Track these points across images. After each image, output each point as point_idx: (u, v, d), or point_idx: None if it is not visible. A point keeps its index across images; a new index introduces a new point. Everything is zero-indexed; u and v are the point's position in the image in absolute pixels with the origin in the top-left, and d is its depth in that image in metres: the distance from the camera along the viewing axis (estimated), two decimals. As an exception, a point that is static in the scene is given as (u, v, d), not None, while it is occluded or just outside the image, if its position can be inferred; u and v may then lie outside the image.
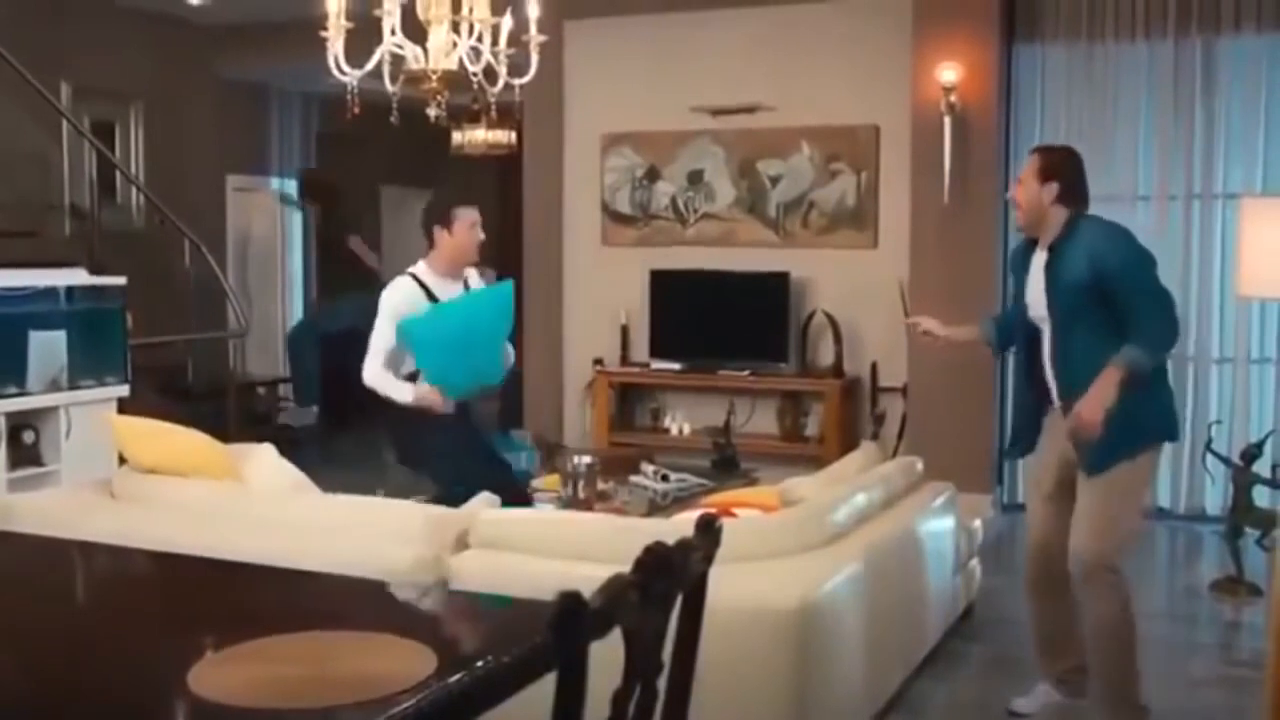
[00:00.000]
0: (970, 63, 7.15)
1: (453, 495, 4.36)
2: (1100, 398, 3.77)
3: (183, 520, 3.89)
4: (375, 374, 5.08)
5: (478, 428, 5.44)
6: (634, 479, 5.90)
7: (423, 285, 5.15)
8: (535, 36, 4.51)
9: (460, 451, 5.11)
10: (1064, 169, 4.03)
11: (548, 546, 3.60)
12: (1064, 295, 3.92)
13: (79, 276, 6.75)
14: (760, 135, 7.97)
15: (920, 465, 4.93)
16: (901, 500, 4.51)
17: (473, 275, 5.39)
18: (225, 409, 8.05)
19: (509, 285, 5.30)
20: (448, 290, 5.20)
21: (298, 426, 10.04)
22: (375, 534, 3.70)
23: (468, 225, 5.20)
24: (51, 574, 2.76)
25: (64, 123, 8.13)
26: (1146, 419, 3.90)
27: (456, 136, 9.87)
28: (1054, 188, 3.98)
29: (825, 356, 7.86)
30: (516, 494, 5.00)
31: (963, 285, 7.20)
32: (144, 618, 2.37)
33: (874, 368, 7.73)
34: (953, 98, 7.08)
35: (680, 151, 8.20)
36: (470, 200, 5.45)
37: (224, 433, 5.67)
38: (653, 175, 8.30)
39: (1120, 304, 3.82)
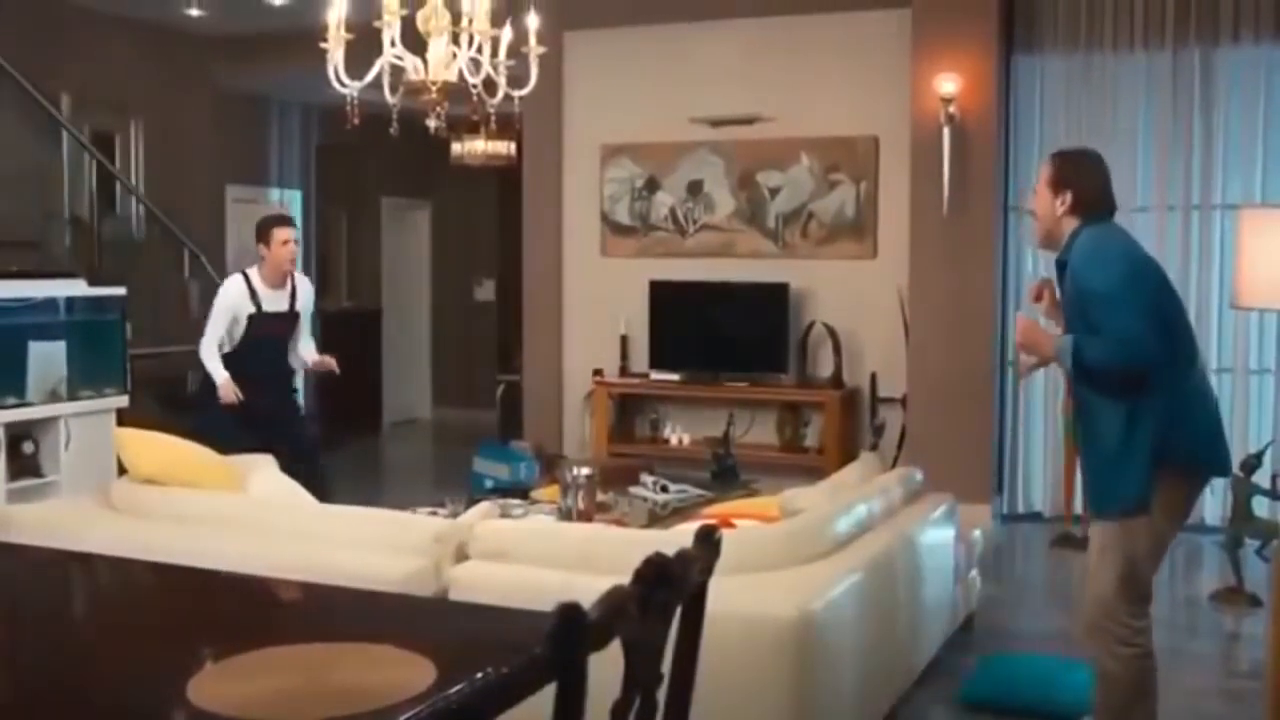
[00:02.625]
0: (969, 73, 7.16)
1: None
2: (1038, 341, 3.67)
3: (182, 531, 3.90)
4: (206, 353, 6.06)
5: (278, 420, 6.16)
6: (633, 490, 5.89)
7: (251, 286, 6.11)
8: (535, 48, 4.53)
9: (221, 429, 5.64)
10: (1078, 176, 3.66)
11: (547, 557, 3.60)
12: (1067, 316, 3.68)
13: (79, 287, 6.76)
14: (760, 146, 7.98)
15: (920, 476, 4.93)
16: (901, 511, 4.50)
17: (302, 283, 6.33)
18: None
19: None
20: (273, 295, 6.15)
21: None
22: (375, 545, 3.70)
23: (280, 241, 6.10)
24: (51, 585, 2.75)
25: (64, 133, 8.14)
26: (1118, 483, 3.56)
27: (456, 147, 9.87)
28: (1067, 198, 3.63)
29: (824, 367, 7.87)
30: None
31: (962, 296, 7.21)
32: (143, 629, 2.36)
33: (873, 378, 7.74)
34: (952, 108, 7.10)
35: (680, 162, 8.21)
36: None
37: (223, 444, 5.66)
38: (652, 186, 8.31)
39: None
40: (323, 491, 6.08)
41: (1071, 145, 4.81)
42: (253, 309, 6.10)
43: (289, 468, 5.57)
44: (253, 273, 6.15)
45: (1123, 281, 3.48)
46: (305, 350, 6.35)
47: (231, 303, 6.08)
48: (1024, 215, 3.86)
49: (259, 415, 5.99)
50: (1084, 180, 3.67)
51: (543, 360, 8.64)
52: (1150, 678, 3.67)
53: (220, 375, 6.00)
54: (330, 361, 6.34)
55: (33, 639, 2.26)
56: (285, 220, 6.33)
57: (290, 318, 6.25)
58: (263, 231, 6.16)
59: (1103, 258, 3.54)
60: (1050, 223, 3.70)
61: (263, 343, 6.14)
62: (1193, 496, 3.74)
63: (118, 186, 8.79)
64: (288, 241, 6.11)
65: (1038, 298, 3.90)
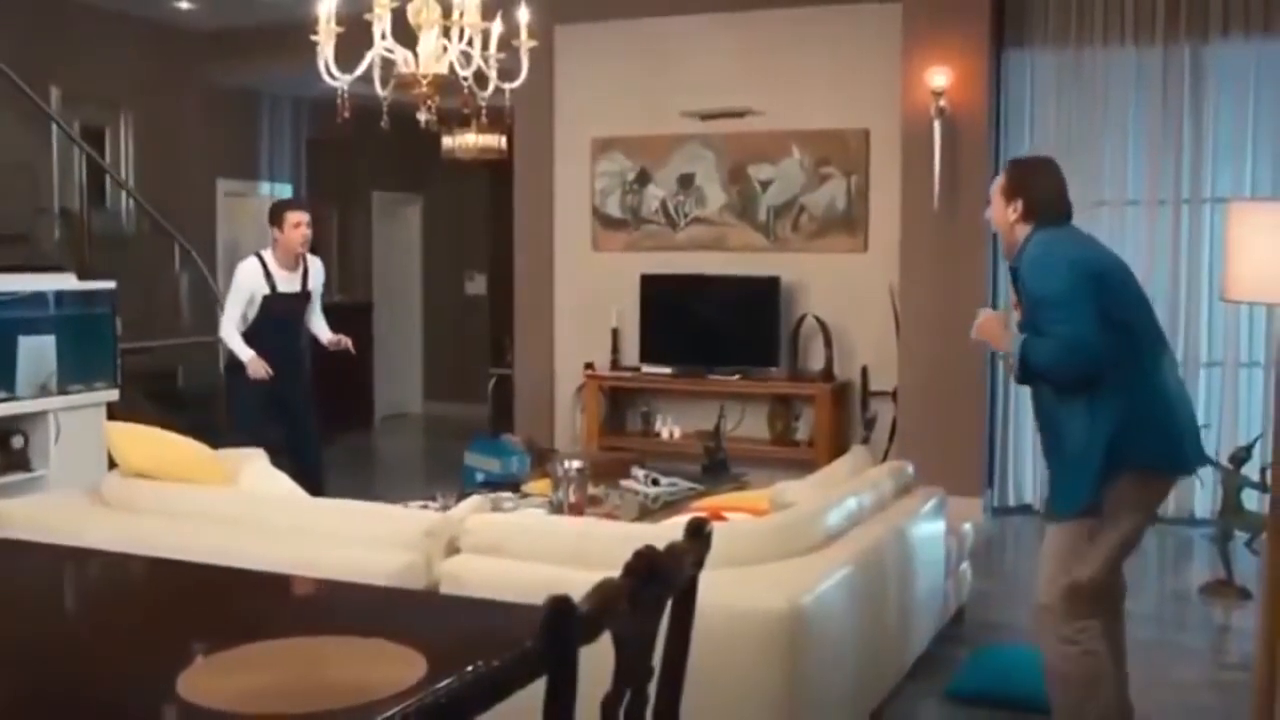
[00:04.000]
0: (960, 67, 7.16)
1: (239, 432, 5.91)
2: (994, 334, 3.70)
3: (173, 525, 3.89)
4: (227, 332, 6.37)
5: (289, 400, 6.49)
6: (625, 483, 5.90)
7: (265, 267, 6.37)
8: (526, 41, 4.52)
9: (257, 407, 6.35)
10: (1030, 184, 3.69)
11: (538, 551, 3.60)
12: (1024, 321, 3.65)
13: (68, 281, 6.74)
14: (750, 139, 7.98)
15: (910, 469, 4.93)
16: (892, 504, 4.51)
17: (314, 264, 6.60)
18: (216, 414, 8.03)
19: None
20: (287, 277, 6.43)
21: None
22: (366, 539, 3.70)
23: (293, 224, 6.35)
24: (41, 580, 2.75)
25: (54, 128, 8.12)
26: (1071, 486, 3.60)
27: (447, 141, 9.86)
28: (1019, 205, 3.66)
29: (815, 360, 7.87)
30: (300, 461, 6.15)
31: (953, 289, 7.21)
32: (134, 623, 2.36)
33: (864, 372, 7.74)
34: (942, 102, 7.10)
35: (671, 156, 8.21)
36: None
37: (214, 438, 5.67)
38: (643, 179, 8.30)
39: None
40: (321, 481, 6.40)
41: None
42: (268, 290, 6.36)
43: (293, 451, 6.30)
44: (267, 254, 6.42)
45: (1066, 286, 3.47)
46: (319, 329, 6.67)
47: (248, 283, 6.34)
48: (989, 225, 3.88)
49: (276, 391, 6.35)
50: (1035, 187, 3.68)
51: (534, 354, 8.63)
52: (1099, 672, 3.64)
53: (246, 353, 6.28)
54: (346, 341, 6.60)
55: (23, 633, 2.26)
56: (298, 204, 6.65)
57: (303, 297, 6.54)
58: (275, 215, 6.44)
59: (1047, 263, 3.55)
60: (1005, 231, 3.73)
61: (277, 322, 6.40)
62: (1156, 498, 3.72)
63: (108, 180, 8.77)
64: (299, 225, 6.35)
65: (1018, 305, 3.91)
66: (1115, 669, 3.74)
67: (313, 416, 6.69)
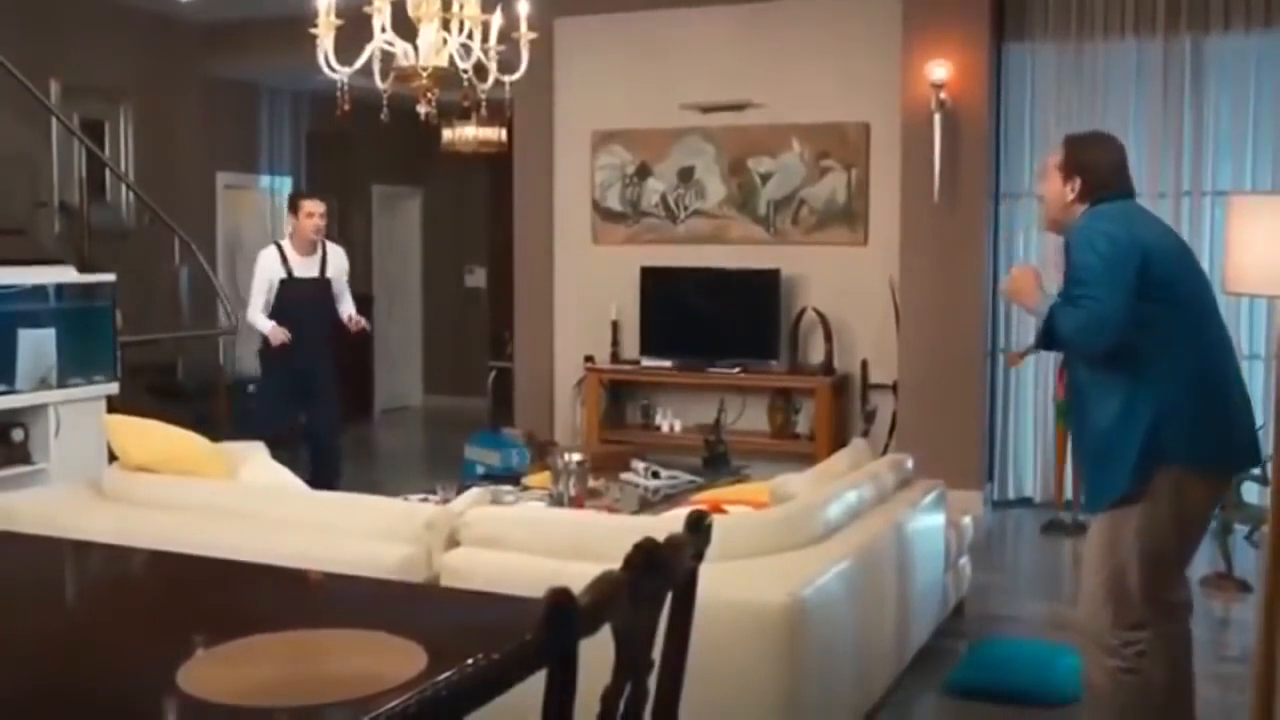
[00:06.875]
0: (960, 60, 7.15)
1: (261, 418, 6.51)
2: (1027, 291, 3.55)
3: (173, 519, 3.89)
4: (252, 315, 6.79)
5: (312, 385, 6.86)
6: (625, 476, 5.90)
7: (283, 254, 6.77)
8: (525, 33, 4.52)
9: (272, 395, 6.94)
10: (1087, 161, 3.54)
11: (538, 544, 3.60)
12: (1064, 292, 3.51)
13: (68, 274, 6.73)
14: (750, 132, 7.97)
15: (910, 462, 4.93)
16: (892, 497, 4.51)
17: (334, 251, 6.98)
18: (215, 408, 8.03)
19: None
20: (304, 262, 6.80)
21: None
22: (366, 532, 3.70)
23: (306, 213, 6.75)
24: (41, 572, 2.75)
25: (53, 121, 8.10)
26: (1106, 474, 3.44)
27: (447, 134, 9.85)
28: (1076, 184, 3.52)
29: (816, 354, 7.87)
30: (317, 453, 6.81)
31: (952, 282, 7.22)
32: (134, 616, 2.36)
33: (864, 365, 7.74)
34: (943, 95, 7.10)
35: (671, 149, 8.20)
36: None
37: (214, 431, 5.67)
38: (643, 172, 8.30)
39: None
40: (338, 467, 6.78)
41: (1085, 129, 4.57)
42: (284, 274, 6.74)
43: (312, 436, 6.83)
44: (284, 242, 6.86)
45: (1103, 262, 3.35)
46: (343, 311, 7.00)
47: (266, 269, 6.75)
48: (1037, 198, 3.67)
49: (299, 374, 6.74)
50: (1095, 165, 3.55)
51: (534, 347, 8.63)
52: (1140, 695, 3.44)
53: (266, 324, 6.69)
54: (361, 320, 6.98)
55: (23, 626, 2.26)
56: (314, 195, 7.06)
57: (322, 283, 6.87)
58: (292, 203, 6.91)
59: (1089, 237, 3.41)
60: (1059, 209, 3.58)
61: (295, 306, 6.73)
62: (1205, 500, 3.52)
63: (107, 174, 8.75)
64: (312, 214, 6.74)
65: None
66: (1171, 697, 3.50)
67: (336, 402, 7.00)
